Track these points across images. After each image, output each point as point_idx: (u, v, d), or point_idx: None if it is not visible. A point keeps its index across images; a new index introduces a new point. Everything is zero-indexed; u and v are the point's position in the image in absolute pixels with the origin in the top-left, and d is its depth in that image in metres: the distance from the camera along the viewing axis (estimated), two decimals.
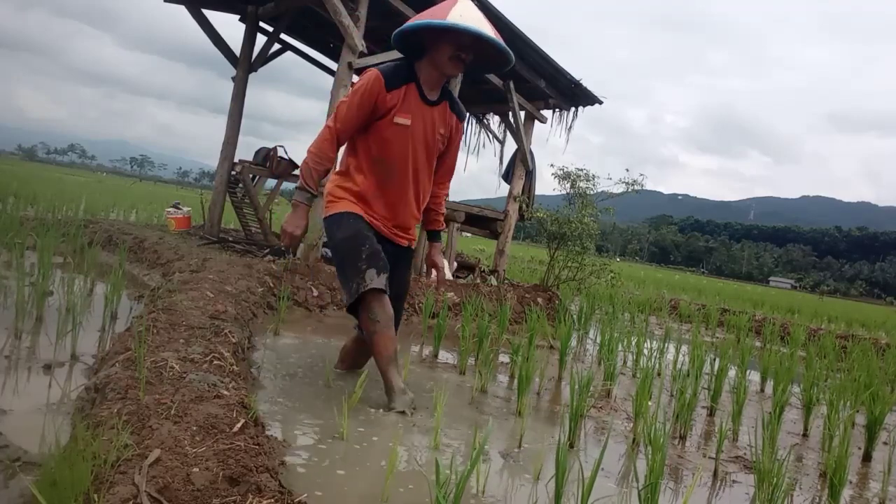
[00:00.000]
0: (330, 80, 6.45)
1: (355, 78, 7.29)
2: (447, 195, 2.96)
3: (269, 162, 6.65)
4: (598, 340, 4.89)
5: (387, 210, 2.66)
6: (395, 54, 6.28)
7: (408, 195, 2.67)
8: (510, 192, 8.10)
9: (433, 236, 3.01)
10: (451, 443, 2.37)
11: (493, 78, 6.62)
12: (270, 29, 7.18)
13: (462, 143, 9.05)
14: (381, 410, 2.58)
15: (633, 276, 19.72)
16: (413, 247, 2.81)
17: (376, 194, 2.63)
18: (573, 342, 5.06)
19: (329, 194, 2.69)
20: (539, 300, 6.67)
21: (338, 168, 2.78)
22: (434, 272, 2.95)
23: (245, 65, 7.08)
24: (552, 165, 7.83)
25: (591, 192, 7.62)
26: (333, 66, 7.13)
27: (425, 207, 2.83)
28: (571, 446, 2.54)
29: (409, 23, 2.48)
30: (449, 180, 2.93)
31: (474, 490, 1.97)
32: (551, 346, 4.95)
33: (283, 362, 3.29)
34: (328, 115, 6.54)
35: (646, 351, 4.70)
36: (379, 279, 2.46)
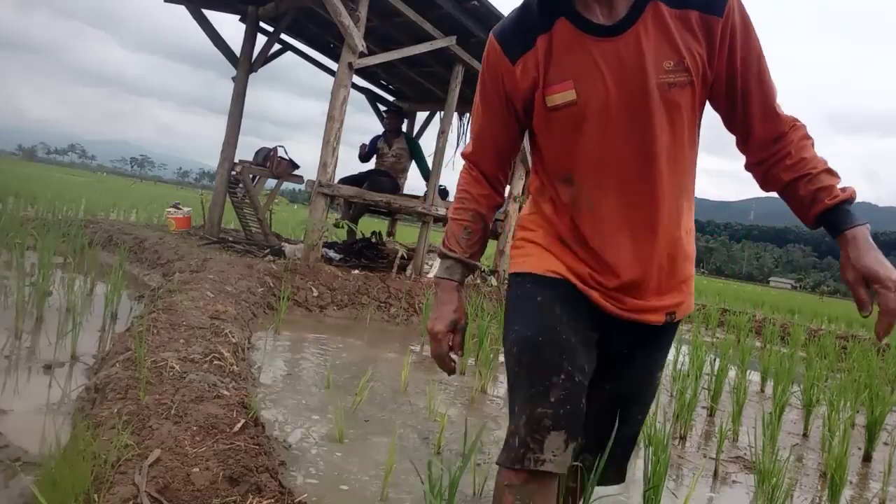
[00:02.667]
0: (330, 80, 6.44)
1: (356, 78, 7.32)
2: (804, 138, 1.19)
3: (270, 162, 6.65)
4: None
5: (610, 255, 1.23)
6: (400, 53, 6.30)
7: (648, 216, 1.20)
8: (510, 193, 8.11)
9: (835, 220, 1.13)
10: (451, 443, 2.37)
11: None
12: (271, 29, 7.18)
13: (462, 144, 9.08)
14: (381, 410, 2.58)
15: None
16: (677, 320, 1.32)
17: (579, 234, 1.25)
18: None
19: (515, 233, 1.42)
20: None
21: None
22: (870, 294, 1.10)
23: (245, 65, 7.09)
24: None
25: None
26: (334, 66, 7.12)
27: (791, 176, 1.17)
28: None
29: None
30: (781, 118, 1.19)
31: (470, 491, 1.97)
32: None
33: (283, 362, 3.30)
34: (329, 117, 6.58)
35: None
36: (561, 455, 1.16)
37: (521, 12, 1.19)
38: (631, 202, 1.19)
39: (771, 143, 1.19)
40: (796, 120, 1.19)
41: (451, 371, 1.26)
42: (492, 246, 9.18)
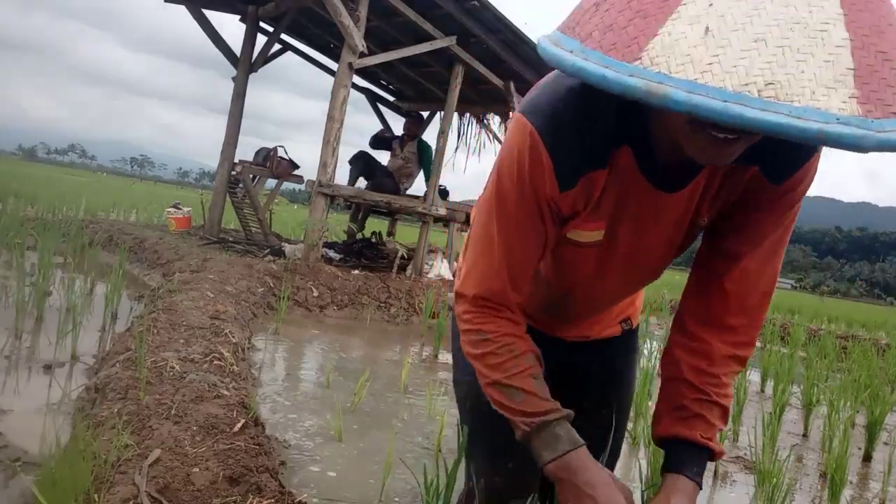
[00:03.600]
0: (330, 80, 6.44)
1: (356, 78, 7.31)
2: (738, 364, 0.98)
3: (270, 162, 6.65)
4: None
5: (553, 326, 1.23)
6: (400, 53, 6.31)
7: (608, 308, 1.22)
8: None
9: (680, 456, 0.96)
10: (451, 442, 2.37)
11: (492, 78, 6.63)
12: (271, 29, 7.18)
13: (462, 144, 9.07)
14: (380, 410, 2.58)
15: None
16: (630, 330, 1.31)
17: (537, 306, 1.19)
18: None
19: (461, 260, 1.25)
20: None
21: None
22: None
23: (245, 65, 7.09)
24: None
25: None
26: (334, 66, 7.12)
27: (693, 378, 0.96)
28: None
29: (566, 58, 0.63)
30: (754, 322, 0.97)
31: None
32: None
33: (283, 362, 3.30)
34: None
35: (646, 351, 4.70)
36: None
37: (582, 125, 0.82)
38: (608, 303, 1.15)
39: (715, 328, 0.95)
40: (751, 342, 0.97)
41: None
42: None
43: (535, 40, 0.85)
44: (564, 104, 0.82)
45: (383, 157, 7.09)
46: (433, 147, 6.83)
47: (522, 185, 0.86)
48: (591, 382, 1.26)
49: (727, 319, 0.94)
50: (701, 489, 0.94)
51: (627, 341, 1.28)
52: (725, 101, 0.53)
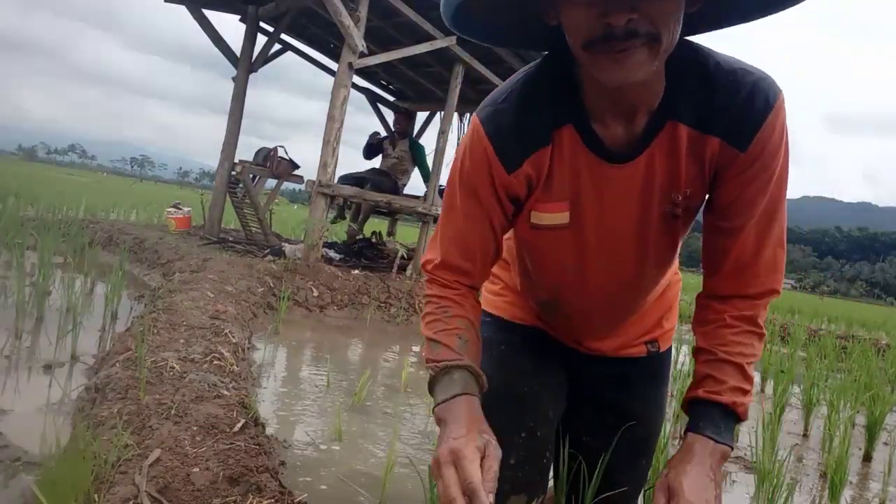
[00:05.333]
0: (330, 80, 6.44)
1: (356, 78, 7.31)
2: (752, 323, 0.97)
3: (270, 162, 6.65)
4: None
5: (574, 335, 1.25)
6: (400, 53, 6.31)
7: (622, 313, 1.18)
8: None
9: (697, 417, 0.95)
10: None
11: (492, 78, 6.63)
12: (271, 29, 7.18)
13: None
14: (381, 410, 2.58)
15: None
16: (664, 350, 1.27)
17: (545, 315, 1.25)
18: None
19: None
20: None
21: None
22: None
23: (245, 65, 7.08)
24: None
25: None
26: (334, 66, 7.12)
27: (702, 344, 1.00)
28: None
29: None
30: (762, 289, 0.97)
31: None
32: None
33: (283, 362, 3.30)
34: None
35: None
36: None
37: (520, 111, 0.92)
38: (606, 308, 1.13)
39: (718, 300, 0.98)
40: (772, 293, 0.96)
41: None
42: None
43: None
44: (505, 96, 0.93)
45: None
46: (425, 146, 6.85)
47: (467, 178, 0.97)
48: (606, 396, 1.24)
49: (739, 290, 0.96)
50: (729, 447, 0.90)
51: (653, 364, 1.22)
52: None
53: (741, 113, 0.84)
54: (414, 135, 8.59)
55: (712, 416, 0.92)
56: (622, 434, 1.15)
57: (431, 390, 0.96)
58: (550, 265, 1.07)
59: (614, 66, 0.75)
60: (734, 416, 0.92)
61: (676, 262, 1.18)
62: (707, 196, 0.95)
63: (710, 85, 0.85)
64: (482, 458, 0.82)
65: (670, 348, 1.30)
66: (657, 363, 1.23)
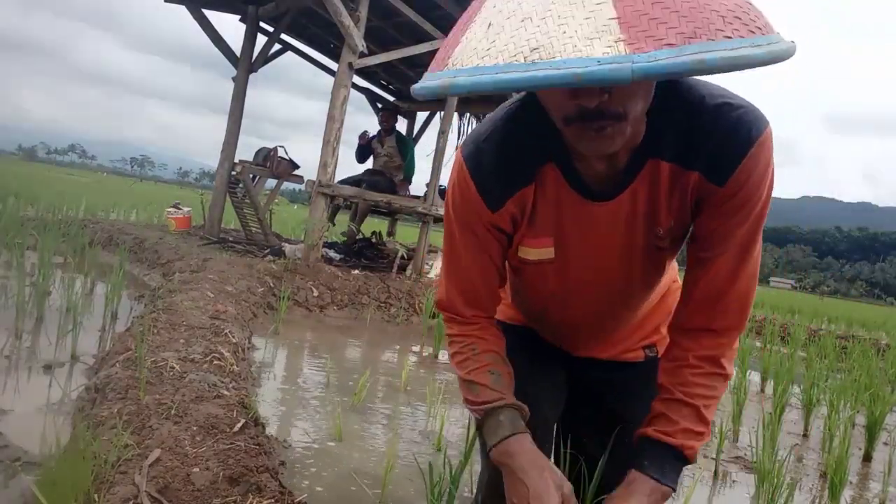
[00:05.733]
0: (330, 80, 6.44)
1: (356, 78, 7.31)
2: (715, 364, 0.97)
3: (270, 162, 6.65)
4: None
5: (568, 345, 1.27)
6: (400, 53, 6.30)
7: (614, 329, 1.20)
8: None
9: (643, 454, 0.97)
10: (451, 442, 2.37)
11: None
12: (271, 29, 7.18)
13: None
14: (380, 410, 2.58)
15: None
16: (656, 358, 1.21)
17: (536, 323, 1.28)
18: None
19: None
20: None
21: None
22: None
23: (245, 65, 7.09)
24: None
25: None
26: (334, 66, 7.12)
27: (662, 380, 1.01)
28: None
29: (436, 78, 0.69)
30: (729, 324, 0.98)
31: (468, 493, 1.97)
32: None
33: (283, 362, 3.30)
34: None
35: None
36: None
37: (502, 150, 0.93)
38: (594, 324, 1.15)
39: (685, 333, 0.98)
40: (737, 330, 0.97)
41: None
42: None
43: None
44: (487, 134, 0.94)
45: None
46: (418, 143, 6.84)
47: (459, 214, 0.99)
48: (605, 400, 1.25)
49: (706, 323, 0.96)
50: (670, 489, 0.91)
51: (652, 369, 1.16)
52: (496, 73, 0.61)
53: (721, 148, 0.84)
54: (414, 134, 8.60)
55: (659, 455, 0.92)
56: (621, 437, 1.13)
57: (480, 432, 1.01)
58: (538, 291, 1.11)
59: (591, 142, 0.78)
60: (682, 458, 0.92)
61: (674, 270, 1.19)
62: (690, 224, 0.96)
63: (693, 119, 0.85)
64: (561, 498, 0.89)
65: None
66: (656, 368, 1.18)
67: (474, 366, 1.01)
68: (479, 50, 0.65)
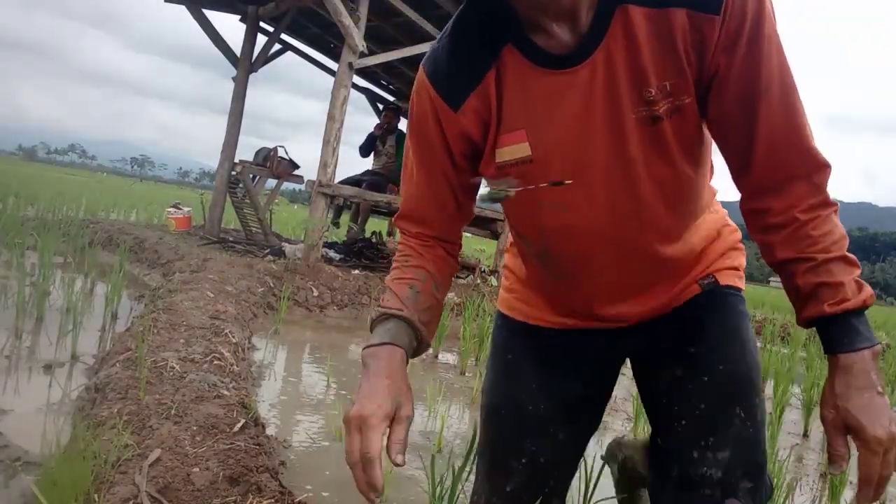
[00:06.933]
0: (330, 80, 6.45)
1: (356, 78, 7.32)
2: (822, 202, 0.82)
3: (270, 162, 6.65)
4: None
5: (596, 307, 1.02)
6: (400, 53, 6.29)
7: (644, 272, 0.97)
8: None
9: (832, 335, 0.81)
10: (451, 442, 2.37)
11: None
12: (271, 29, 7.19)
13: None
14: None
15: None
16: (717, 287, 1.01)
17: (554, 291, 1.08)
18: None
19: (504, 257, 1.26)
20: None
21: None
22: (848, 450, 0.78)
23: (245, 65, 7.09)
24: None
25: None
26: (334, 66, 7.13)
27: (789, 254, 0.83)
28: None
29: None
30: (817, 161, 0.82)
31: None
32: None
33: (283, 362, 3.30)
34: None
35: None
36: None
37: (455, 42, 0.86)
38: (620, 264, 0.93)
39: (770, 192, 0.83)
40: (825, 166, 0.81)
41: (371, 499, 0.76)
42: (492, 246, 9.18)
43: None
44: (441, 39, 0.88)
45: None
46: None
47: (416, 125, 0.91)
48: (665, 351, 1.00)
49: (790, 172, 0.81)
50: (878, 343, 0.79)
51: (714, 298, 0.98)
52: None
53: None
54: None
55: (851, 325, 0.79)
56: (702, 384, 0.93)
57: (371, 331, 0.93)
58: (527, 209, 0.92)
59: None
60: (864, 308, 0.80)
61: (705, 192, 0.95)
62: (698, 93, 0.79)
63: None
64: (391, 423, 0.79)
65: (740, 290, 1.02)
66: (720, 296, 0.98)
67: (399, 275, 0.95)
68: None
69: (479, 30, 0.83)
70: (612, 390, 1.12)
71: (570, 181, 0.84)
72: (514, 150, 0.85)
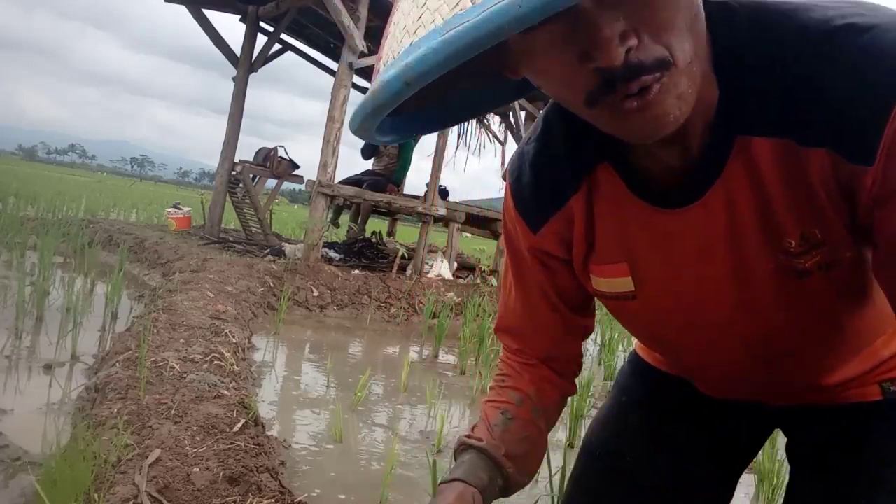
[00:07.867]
0: (330, 80, 6.45)
1: (356, 78, 7.31)
2: None
3: (270, 162, 6.66)
4: (599, 341, 4.90)
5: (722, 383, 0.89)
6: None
7: (787, 370, 0.77)
8: None
9: None
10: (451, 443, 2.37)
11: None
12: (271, 29, 7.19)
13: (462, 144, 9.05)
14: (381, 410, 2.58)
15: None
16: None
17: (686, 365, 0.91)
18: None
19: None
20: None
21: None
22: None
23: (245, 65, 7.09)
24: None
25: None
26: (334, 66, 7.13)
27: None
28: (571, 446, 2.54)
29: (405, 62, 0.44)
30: None
31: None
32: None
33: (283, 362, 3.30)
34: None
35: None
36: None
37: (540, 159, 0.72)
38: (759, 368, 0.76)
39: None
40: None
41: None
42: (492, 246, 9.18)
43: None
44: (527, 145, 0.75)
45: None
46: (425, 146, 6.85)
47: (507, 239, 0.82)
48: (824, 456, 0.82)
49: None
50: None
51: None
52: (440, 37, 0.41)
53: (847, 103, 0.51)
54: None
55: None
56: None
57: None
58: (644, 336, 0.86)
59: (636, 119, 0.51)
60: None
61: (886, 308, 0.62)
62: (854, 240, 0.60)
63: (791, 65, 0.54)
64: None
65: None
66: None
67: (493, 397, 0.86)
68: (424, 20, 0.45)
69: (569, 145, 0.69)
70: (747, 466, 0.98)
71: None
72: (613, 283, 0.73)
